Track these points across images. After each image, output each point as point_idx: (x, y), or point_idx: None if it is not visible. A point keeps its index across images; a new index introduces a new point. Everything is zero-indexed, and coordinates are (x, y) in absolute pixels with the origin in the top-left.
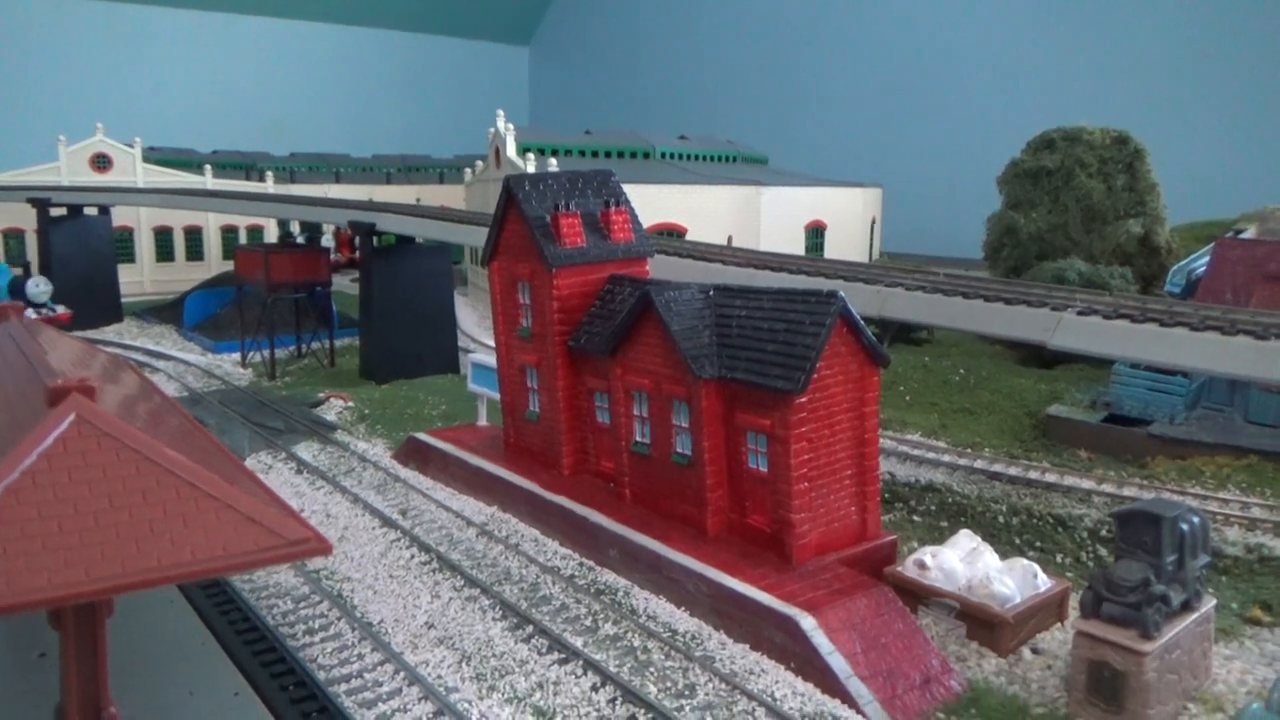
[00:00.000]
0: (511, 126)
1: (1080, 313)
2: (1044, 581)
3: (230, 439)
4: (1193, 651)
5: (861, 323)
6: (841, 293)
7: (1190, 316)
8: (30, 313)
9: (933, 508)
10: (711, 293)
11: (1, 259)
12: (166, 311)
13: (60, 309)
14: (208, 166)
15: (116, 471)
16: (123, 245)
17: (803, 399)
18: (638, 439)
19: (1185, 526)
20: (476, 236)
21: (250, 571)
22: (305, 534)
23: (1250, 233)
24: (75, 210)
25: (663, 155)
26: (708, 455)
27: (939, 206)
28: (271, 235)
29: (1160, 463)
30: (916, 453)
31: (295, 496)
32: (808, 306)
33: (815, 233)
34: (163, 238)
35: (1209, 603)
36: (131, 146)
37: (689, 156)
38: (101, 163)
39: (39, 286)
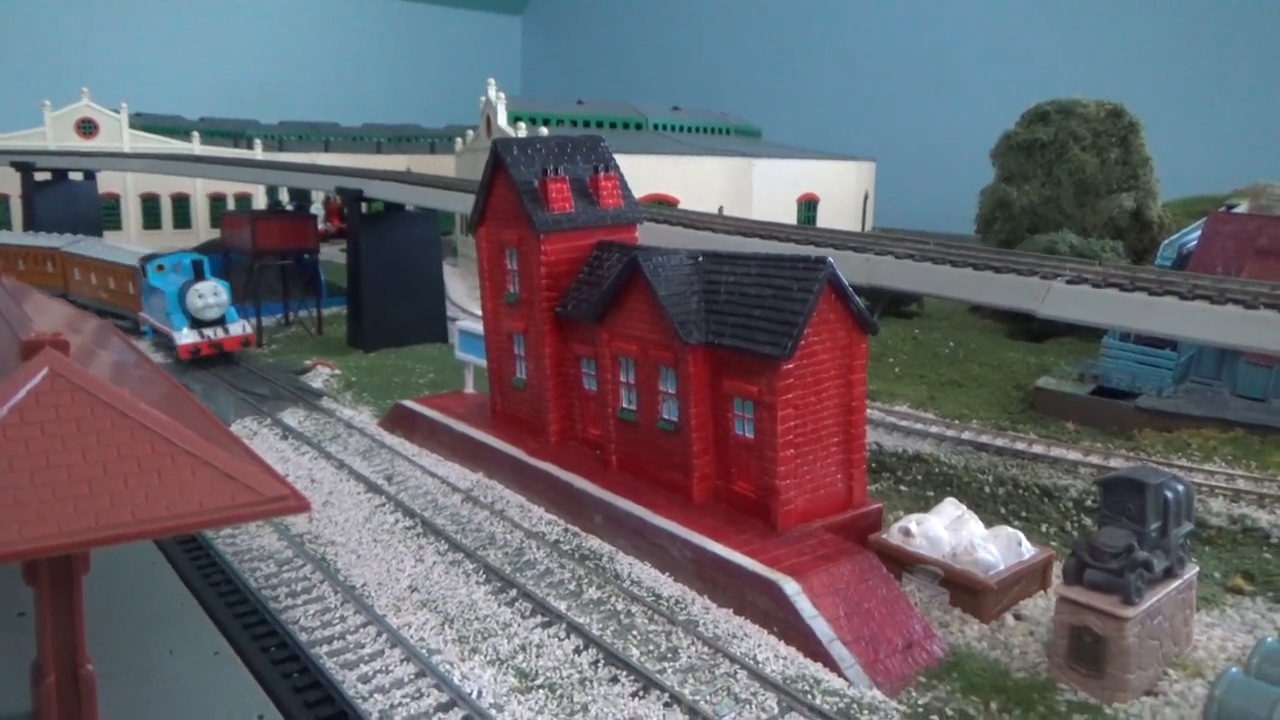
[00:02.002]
0: (503, 95)
1: (1069, 281)
2: (1028, 549)
3: (215, 405)
4: (1174, 618)
5: (850, 290)
6: (830, 259)
7: (1179, 285)
8: (185, 335)
9: (919, 478)
10: (700, 259)
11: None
12: None
13: (239, 327)
14: (195, 133)
15: (90, 426)
16: (109, 212)
17: (790, 365)
18: (624, 405)
19: (1169, 494)
20: (465, 204)
21: (226, 527)
22: (283, 491)
23: (1243, 208)
24: (60, 175)
25: (655, 126)
26: (694, 421)
27: (932, 181)
28: (260, 204)
29: (1147, 435)
30: (904, 424)
31: (280, 461)
32: (796, 273)
33: (808, 205)
34: (150, 205)
35: (1191, 570)
36: (118, 112)
37: (682, 128)
38: (87, 128)
39: (204, 298)
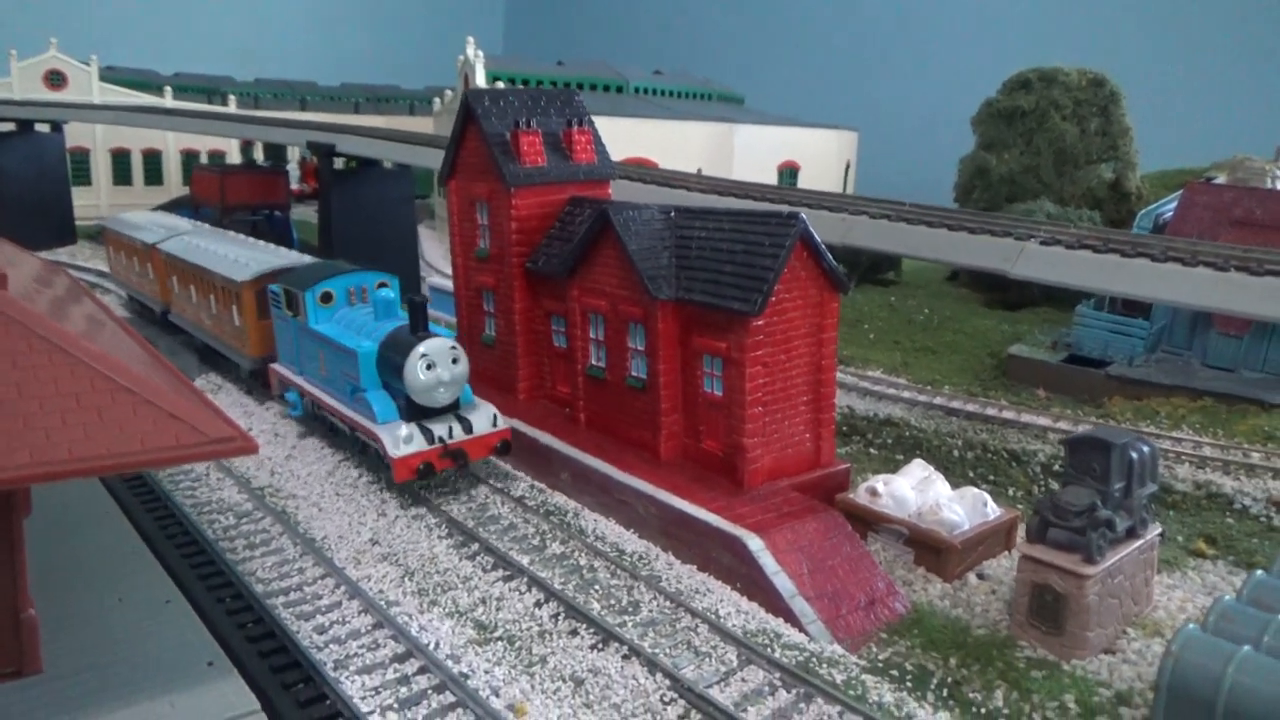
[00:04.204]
0: (481, 54)
1: (1043, 242)
2: (993, 510)
3: (180, 359)
4: (1135, 578)
5: (823, 247)
6: (803, 214)
7: (1153, 247)
8: (404, 439)
9: (889, 441)
10: (672, 214)
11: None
12: None
13: (486, 417)
14: (168, 89)
15: (27, 361)
16: (79, 167)
17: (759, 321)
18: (594, 362)
19: (1134, 455)
20: (436, 159)
21: (171, 467)
22: (229, 432)
23: (1221, 181)
24: (26, 126)
25: (636, 90)
26: (663, 379)
27: (916, 152)
28: (235, 161)
29: (1117, 403)
30: (877, 389)
31: (244, 415)
32: (768, 228)
33: (789, 174)
34: (120, 160)
35: (1153, 530)
36: (88, 64)
37: (663, 92)
38: (56, 80)
39: (436, 371)
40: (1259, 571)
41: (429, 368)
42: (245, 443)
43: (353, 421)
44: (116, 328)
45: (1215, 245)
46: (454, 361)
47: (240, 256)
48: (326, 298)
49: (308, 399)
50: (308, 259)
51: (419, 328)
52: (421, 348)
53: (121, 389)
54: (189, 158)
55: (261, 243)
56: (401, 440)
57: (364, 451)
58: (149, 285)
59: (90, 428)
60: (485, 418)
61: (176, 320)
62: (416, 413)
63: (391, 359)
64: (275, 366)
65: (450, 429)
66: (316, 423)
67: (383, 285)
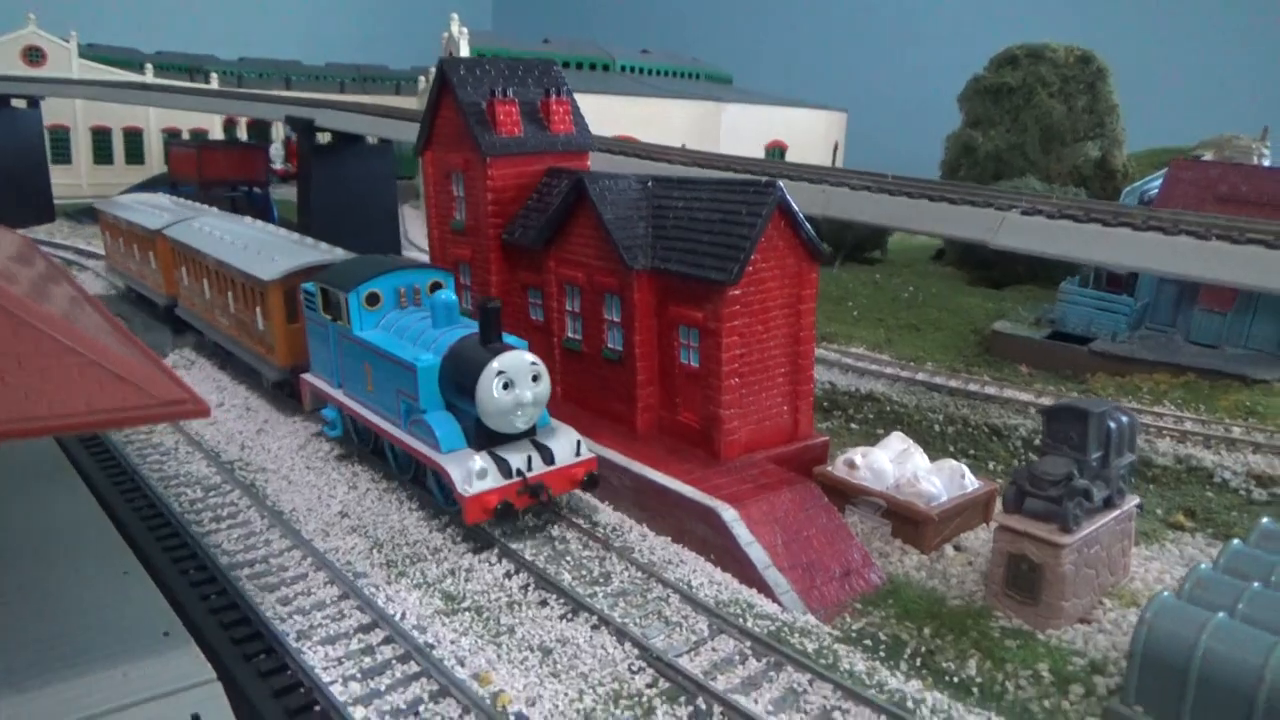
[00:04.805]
0: (465, 31)
1: (1024, 213)
2: (971, 482)
3: (153, 336)
4: (1112, 548)
5: (801, 216)
6: (780, 183)
7: (1135, 217)
8: (478, 473)
9: (871, 416)
10: (649, 183)
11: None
12: None
13: (569, 443)
14: (149, 66)
15: None
16: (58, 145)
17: (736, 291)
18: (570, 335)
19: (1113, 424)
20: (413, 133)
21: (118, 429)
22: (179, 395)
23: (1208, 159)
24: (2, 102)
25: (623, 68)
26: (639, 350)
27: (905, 135)
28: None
29: (1099, 379)
30: (860, 365)
31: (217, 390)
32: (745, 196)
33: (777, 154)
34: (100, 138)
35: (1131, 501)
36: (67, 41)
37: (650, 71)
38: (34, 56)
39: (516, 391)
40: (1236, 541)
41: (505, 387)
42: (196, 405)
43: (408, 447)
44: (72, 291)
45: (1199, 215)
46: (534, 379)
47: (265, 248)
48: (373, 299)
49: (349, 417)
50: (341, 252)
51: (491, 338)
52: (496, 363)
53: (67, 349)
54: (171, 136)
55: (284, 230)
56: (474, 475)
57: (416, 481)
58: (151, 276)
59: (31, 390)
60: (567, 445)
61: (185, 316)
62: (486, 439)
63: (458, 376)
64: (307, 378)
65: (529, 459)
66: (363, 446)
67: (438, 286)
